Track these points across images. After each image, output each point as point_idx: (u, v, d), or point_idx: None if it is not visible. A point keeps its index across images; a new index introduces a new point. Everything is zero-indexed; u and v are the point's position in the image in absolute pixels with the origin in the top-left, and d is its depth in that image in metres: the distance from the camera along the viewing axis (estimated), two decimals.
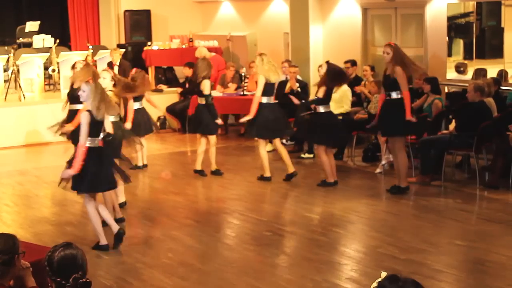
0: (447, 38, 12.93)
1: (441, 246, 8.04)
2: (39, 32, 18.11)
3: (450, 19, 12.93)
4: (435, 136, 10.90)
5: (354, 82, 13.08)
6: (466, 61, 13.06)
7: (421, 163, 10.74)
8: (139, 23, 17.28)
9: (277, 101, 10.96)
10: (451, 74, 12.92)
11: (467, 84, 11.27)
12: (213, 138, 11.32)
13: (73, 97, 9.92)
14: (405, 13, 13.65)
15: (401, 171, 9.99)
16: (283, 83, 13.40)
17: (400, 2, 13.62)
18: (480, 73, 12.30)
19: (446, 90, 12.92)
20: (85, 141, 7.66)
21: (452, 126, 11.55)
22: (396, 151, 10.01)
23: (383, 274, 3.00)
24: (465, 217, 9.09)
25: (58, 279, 4.02)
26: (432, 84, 11.59)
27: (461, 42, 13.37)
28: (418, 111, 11.51)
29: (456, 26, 13.15)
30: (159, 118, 15.23)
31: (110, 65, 14.56)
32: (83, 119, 7.64)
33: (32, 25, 18.56)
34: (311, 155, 12.44)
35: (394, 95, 9.82)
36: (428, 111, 11.41)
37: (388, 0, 13.58)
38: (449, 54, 13.12)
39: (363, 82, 13.03)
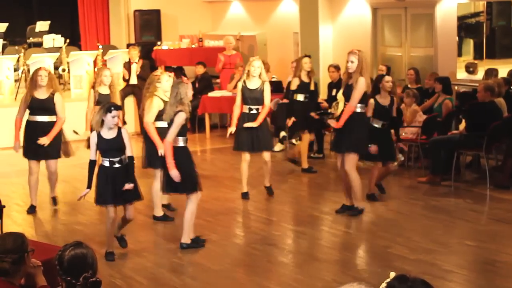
0: (457, 38, 12.90)
1: (451, 246, 8.03)
2: (49, 31, 18.17)
3: (460, 18, 12.89)
4: (445, 136, 10.87)
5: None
6: (476, 61, 13.03)
7: (431, 163, 10.72)
8: (149, 23, 17.30)
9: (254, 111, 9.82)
10: (461, 74, 12.89)
11: (477, 84, 11.24)
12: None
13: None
14: (415, 12, 13.62)
15: (357, 192, 9.09)
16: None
17: (410, 2, 13.59)
18: (491, 73, 12.25)
19: (456, 90, 12.89)
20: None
21: (462, 126, 11.52)
22: (351, 169, 9.01)
23: (392, 274, 2.99)
24: (475, 217, 9.06)
25: (68, 278, 4.04)
26: (444, 84, 11.56)
27: (471, 42, 13.33)
28: (429, 111, 11.50)
29: (466, 26, 13.11)
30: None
31: (128, 63, 14.57)
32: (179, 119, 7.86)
33: (42, 25, 18.62)
34: (321, 155, 12.43)
35: (358, 108, 8.94)
36: (438, 111, 11.39)
37: (398, 0, 13.56)
38: (459, 54, 13.09)
39: None
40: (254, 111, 9.78)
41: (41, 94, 9.43)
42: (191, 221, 8.12)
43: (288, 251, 8.09)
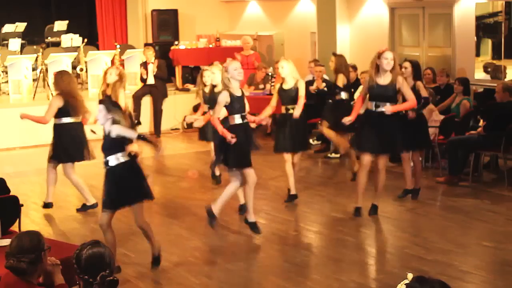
0: (475, 38, 12.84)
1: (469, 247, 7.99)
2: (67, 31, 18.28)
3: (479, 18, 12.83)
4: (463, 136, 10.83)
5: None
6: (494, 61, 12.96)
7: (449, 164, 10.67)
8: (166, 23, 17.34)
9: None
10: (479, 74, 12.83)
11: (495, 84, 11.19)
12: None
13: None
14: (433, 12, 13.58)
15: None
16: (310, 83, 13.41)
17: (428, 2, 13.54)
18: (498, 69, 12.19)
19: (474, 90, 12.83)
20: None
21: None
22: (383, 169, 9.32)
23: (410, 275, 2.98)
24: (493, 218, 9.02)
25: (86, 276, 4.06)
26: (465, 85, 11.53)
27: (489, 42, 13.26)
28: (446, 111, 11.45)
29: (484, 26, 13.04)
30: (185, 117, 15.24)
31: (145, 64, 14.61)
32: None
33: (60, 25, 18.73)
34: (338, 155, 12.41)
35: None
36: (456, 111, 11.34)
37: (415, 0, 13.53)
38: (477, 54, 13.03)
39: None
40: (291, 111, 9.64)
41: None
42: (229, 196, 8.45)
43: (305, 251, 8.09)
